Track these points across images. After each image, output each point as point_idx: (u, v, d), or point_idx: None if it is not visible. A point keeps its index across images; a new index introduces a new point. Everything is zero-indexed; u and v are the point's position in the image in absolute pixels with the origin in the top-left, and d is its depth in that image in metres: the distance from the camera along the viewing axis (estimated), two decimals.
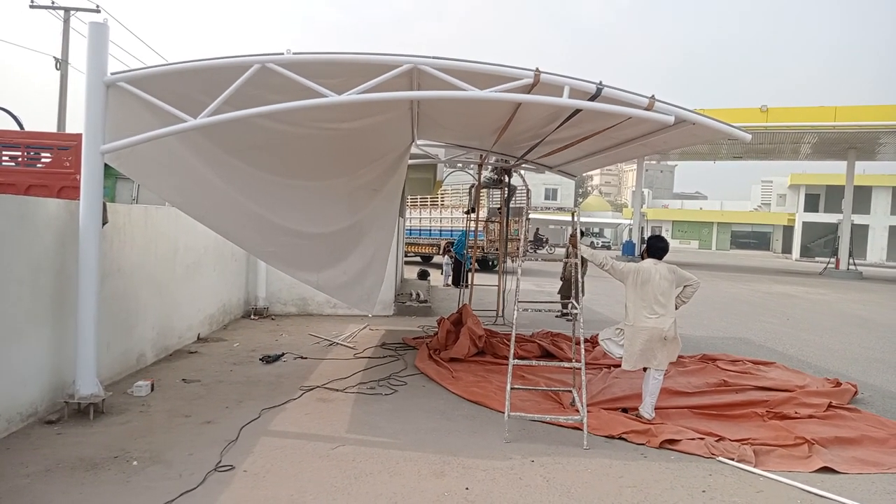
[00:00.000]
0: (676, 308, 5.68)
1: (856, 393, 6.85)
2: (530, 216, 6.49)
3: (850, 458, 4.87)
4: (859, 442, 5.20)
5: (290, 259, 7.35)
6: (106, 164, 5.12)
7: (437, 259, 23.56)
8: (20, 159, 7.61)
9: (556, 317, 11.32)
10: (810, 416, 5.84)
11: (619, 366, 5.99)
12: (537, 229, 41.54)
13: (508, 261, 12.14)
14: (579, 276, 5.59)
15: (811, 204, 55.10)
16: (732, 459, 4.74)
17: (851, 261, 30.98)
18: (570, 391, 6.06)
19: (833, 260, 32.41)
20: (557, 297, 12.74)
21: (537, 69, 4.95)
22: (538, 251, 37.49)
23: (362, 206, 7.84)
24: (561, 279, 12.71)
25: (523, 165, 10.76)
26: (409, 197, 21.54)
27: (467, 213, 13.02)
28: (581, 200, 73.02)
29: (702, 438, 5.10)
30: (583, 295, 5.39)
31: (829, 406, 6.14)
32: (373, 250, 8.30)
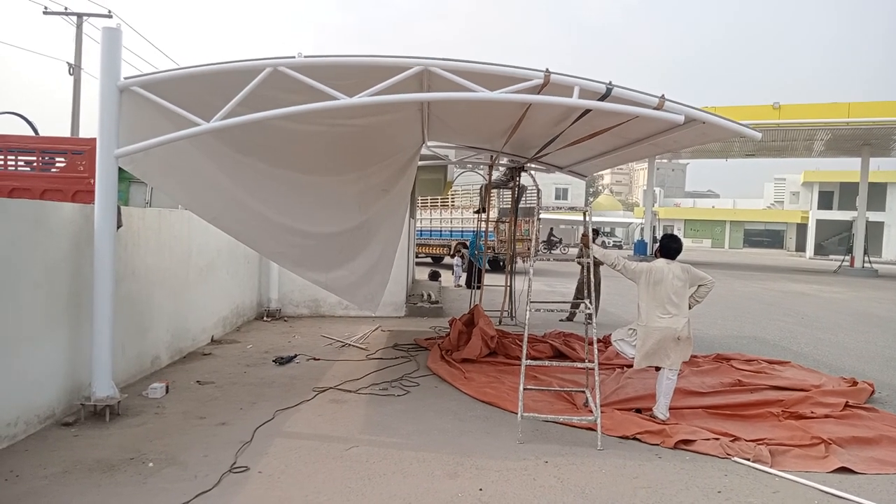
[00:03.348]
0: (690, 308, 5.64)
1: (872, 392, 6.77)
2: (542, 216, 6.47)
3: (868, 458, 4.81)
4: (877, 442, 5.14)
5: (299, 259, 7.38)
6: (119, 168, 5.17)
7: (447, 260, 23.55)
8: (35, 164, 7.70)
9: (560, 321, 11.12)
10: (826, 416, 5.78)
11: (633, 366, 5.96)
12: (551, 229, 41.29)
13: (519, 261, 12.11)
14: (591, 277, 5.57)
15: (825, 201, 54.53)
16: (748, 460, 4.70)
17: (866, 258, 30.63)
18: (584, 391, 6.04)
19: (848, 258, 32.05)
20: (569, 298, 12.67)
21: (547, 70, 4.94)
22: (551, 251, 37.30)
23: (371, 205, 7.86)
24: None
25: (533, 165, 10.75)
26: (419, 198, 21.54)
27: (477, 212, 13.02)
28: (592, 200, 72.76)
29: (717, 439, 5.06)
30: (596, 295, 5.36)
31: (846, 405, 6.06)
32: (380, 250, 8.32)
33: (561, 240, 41.04)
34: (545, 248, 37.54)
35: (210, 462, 4.33)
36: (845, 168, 47.35)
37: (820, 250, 52.24)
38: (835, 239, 51.84)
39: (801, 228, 59.16)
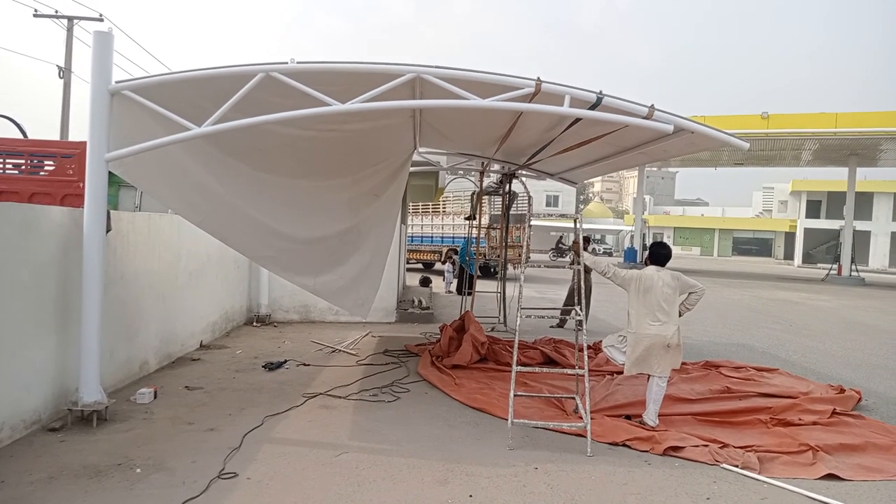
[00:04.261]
0: (680, 315, 5.67)
1: (860, 399, 6.83)
2: (534, 223, 6.51)
3: (855, 464, 4.85)
4: (864, 449, 5.19)
5: (287, 264, 7.36)
6: (109, 172, 5.14)
7: (439, 266, 23.57)
8: (24, 167, 7.65)
9: (551, 327, 11.16)
10: (814, 423, 5.83)
11: (623, 373, 5.98)
12: (560, 237, 41.35)
13: (510, 267, 12.14)
14: (582, 283, 5.60)
15: (813, 210, 55.08)
16: (736, 466, 4.73)
17: (854, 267, 30.95)
18: (574, 398, 6.06)
19: (835, 266, 32.38)
20: (560, 305, 12.70)
21: (538, 79, 4.98)
22: (560, 258, 37.40)
23: (361, 210, 7.85)
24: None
25: (525, 172, 10.79)
26: (410, 204, 21.56)
27: (468, 219, 13.05)
28: (582, 207, 73.12)
29: (706, 445, 5.09)
30: (586, 302, 5.38)
31: (833, 413, 6.11)
32: (370, 256, 8.31)
33: (570, 248, 41.18)
34: (554, 256, 37.73)
35: (198, 468, 4.30)
36: (833, 177, 47.88)
37: (808, 259, 52.72)
38: (822, 247, 52.33)
39: (790, 237, 59.70)
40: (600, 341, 6.33)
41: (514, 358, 5.29)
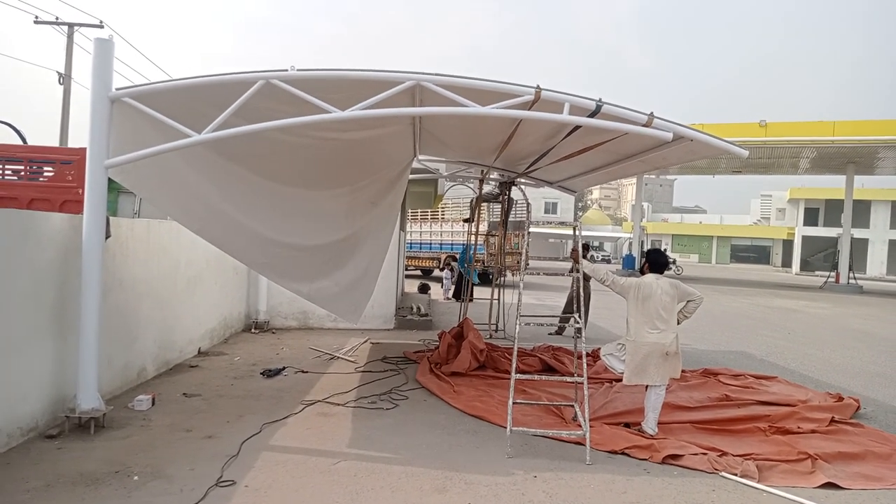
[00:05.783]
0: (678, 323, 5.67)
1: (858, 408, 6.83)
2: (532, 230, 6.52)
3: (854, 473, 4.85)
4: (862, 457, 5.18)
5: (283, 270, 7.34)
6: (108, 178, 5.15)
7: (437, 273, 23.57)
8: (23, 173, 7.65)
9: (549, 334, 11.11)
10: (813, 431, 5.83)
11: (621, 381, 5.98)
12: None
13: (509, 274, 12.13)
14: (581, 291, 5.60)
15: (810, 218, 55.25)
16: (735, 475, 4.72)
17: (851, 275, 31.00)
18: (572, 406, 6.04)
19: (833, 274, 32.44)
20: (559, 312, 12.69)
21: (538, 86, 5.00)
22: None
23: (359, 218, 7.85)
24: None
25: (523, 180, 10.80)
26: (409, 210, 21.57)
27: (466, 221, 13.06)
28: (581, 214, 73.21)
29: (705, 453, 5.08)
30: (585, 309, 5.38)
31: (832, 421, 6.12)
32: (367, 262, 8.30)
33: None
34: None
35: (196, 476, 4.29)
36: (831, 185, 48.05)
37: (806, 266, 52.83)
38: (820, 255, 52.45)
39: (787, 244, 59.83)
40: (599, 349, 6.32)
41: (514, 365, 5.28)
